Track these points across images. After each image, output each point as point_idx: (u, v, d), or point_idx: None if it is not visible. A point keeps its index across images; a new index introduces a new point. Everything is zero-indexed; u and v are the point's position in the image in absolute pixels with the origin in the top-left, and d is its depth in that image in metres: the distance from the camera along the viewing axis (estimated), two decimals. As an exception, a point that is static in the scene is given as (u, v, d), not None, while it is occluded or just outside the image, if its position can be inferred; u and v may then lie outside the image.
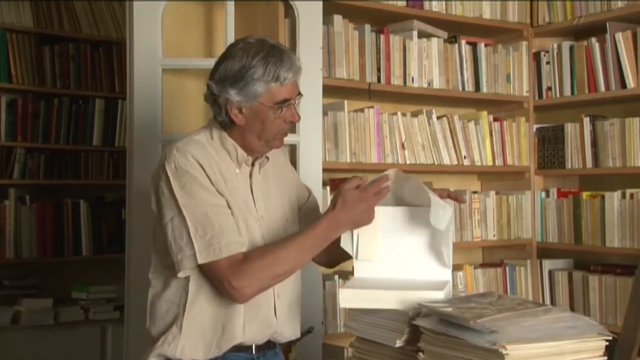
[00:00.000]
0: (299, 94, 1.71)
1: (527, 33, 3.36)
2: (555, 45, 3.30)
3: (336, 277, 2.78)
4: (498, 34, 3.38)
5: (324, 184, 2.66)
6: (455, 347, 1.44)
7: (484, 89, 3.24)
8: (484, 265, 3.33)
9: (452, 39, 3.19)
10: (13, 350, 3.46)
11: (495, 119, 3.30)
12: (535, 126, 3.38)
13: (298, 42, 2.53)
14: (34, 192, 3.97)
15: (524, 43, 3.36)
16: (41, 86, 4.02)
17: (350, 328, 1.80)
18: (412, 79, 3.02)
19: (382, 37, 2.96)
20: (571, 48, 3.24)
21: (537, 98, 3.37)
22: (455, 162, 3.13)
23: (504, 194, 3.31)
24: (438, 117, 3.13)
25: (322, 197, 2.59)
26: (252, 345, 1.70)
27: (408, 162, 2.99)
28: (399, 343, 1.61)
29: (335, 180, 2.87)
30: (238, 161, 1.69)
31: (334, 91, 2.81)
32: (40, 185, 3.99)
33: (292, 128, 2.60)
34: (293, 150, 2.57)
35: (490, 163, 3.24)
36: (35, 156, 3.98)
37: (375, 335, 1.68)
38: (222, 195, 1.64)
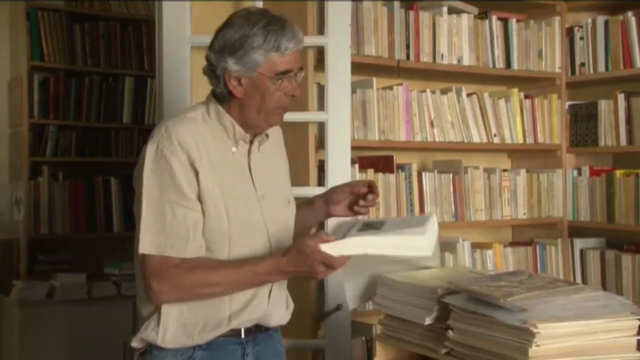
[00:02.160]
0: (301, 68, 1.63)
1: (560, 8, 3.29)
2: (589, 20, 3.23)
3: (364, 254, 2.78)
4: (530, 9, 3.31)
5: (353, 162, 2.65)
6: (485, 325, 1.44)
7: (515, 65, 3.19)
8: (513, 244, 3.31)
9: (482, 15, 3.13)
10: (48, 323, 3.55)
11: (526, 96, 3.25)
12: (567, 103, 3.32)
13: (326, 20, 2.51)
14: (67, 170, 4.04)
15: (557, 18, 3.29)
16: (72, 64, 4.06)
17: (379, 305, 1.80)
18: (442, 55, 2.99)
19: (411, 13, 2.92)
20: (606, 22, 3.17)
21: (569, 74, 3.31)
22: (485, 140, 3.09)
23: (534, 172, 3.28)
24: (468, 95, 3.09)
25: (351, 176, 2.59)
26: (240, 329, 1.64)
27: (437, 139, 2.96)
28: (428, 320, 1.61)
29: (363, 158, 2.87)
30: (235, 139, 1.62)
31: (362, 68, 2.79)
32: (72, 162, 4.06)
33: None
34: (322, 128, 2.57)
35: (520, 141, 3.20)
36: (67, 134, 4.04)
37: (404, 312, 1.68)
38: (198, 191, 1.55)
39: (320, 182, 2.59)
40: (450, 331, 1.55)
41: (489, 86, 3.29)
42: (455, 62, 3.02)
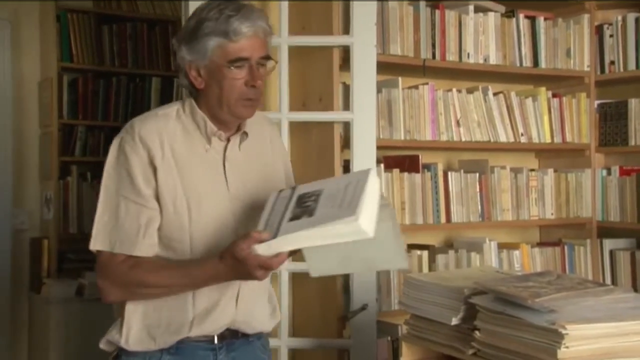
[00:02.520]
0: (266, 57, 1.53)
1: (589, 6, 3.24)
2: (619, 18, 3.18)
3: (390, 254, 2.78)
4: (558, 7, 3.27)
5: (378, 162, 2.65)
6: (513, 326, 1.43)
7: (543, 64, 3.15)
8: (541, 244, 3.27)
9: (509, 13, 3.10)
10: (77, 320, 3.59)
11: (554, 95, 3.21)
12: (596, 102, 3.28)
13: (352, 19, 2.51)
14: (95, 169, 4.09)
15: (586, 16, 3.25)
16: (100, 65, 4.11)
17: (404, 306, 1.80)
18: (468, 54, 2.96)
19: (437, 12, 2.90)
20: (637, 20, 3.12)
21: (598, 73, 3.26)
22: (511, 140, 3.06)
23: (562, 172, 3.24)
24: (494, 94, 3.06)
25: (377, 175, 2.57)
26: (213, 335, 1.58)
27: (463, 139, 2.94)
28: (454, 321, 1.60)
29: (389, 157, 2.86)
30: (207, 135, 1.55)
31: (388, 68, 2.78)
32: (101, 162, 4.08)
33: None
34: (347, 127, 2.57)
35: (548, 140, 3.16)
36: (95, 134, 4.10)
37: (431, 312, 1.68)
38: (155, 187, 1.50)
39: (346, 181, 2.58)
40: (477, 332, 1.54)
41: (516, 85, 3.26)
42: (481, 61, 3.00)
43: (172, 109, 1.58)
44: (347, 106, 2.58)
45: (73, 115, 4.04)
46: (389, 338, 2.64)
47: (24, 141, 4.01)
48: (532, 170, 3.19)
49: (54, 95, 3.89)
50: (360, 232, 1.29)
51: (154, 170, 1.49)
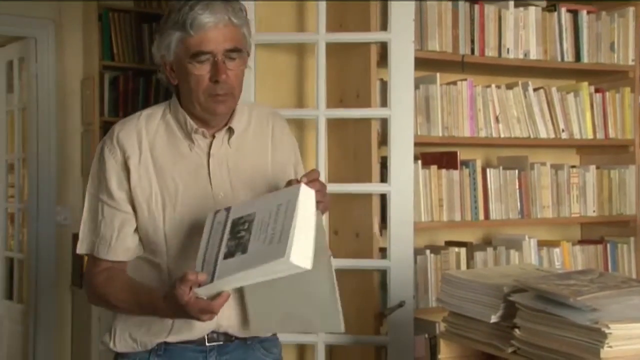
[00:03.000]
0: (235, 49, 1.43)
1: (633, -2, 3.18)
2: (664, 10, 3.10)
3: (427, 251, 2.76)
4: (602, 0, 3.21)
5: (416, 159, 2.63)
6: (554, 324, 1.41)
7: (585, 58, 3.09)
8: (582, 242, 3.21)
9: (551, 7, 3.05)
10: (118, 315, 3.66)
11: (596, 90, 3.15)
12: (640, 97, 3.20)
13: (390, 15, 2.50)
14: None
15: (631, 9, 3.17)
16: (140, 63, 4.17)
17: (443, 303, 1.79)
18: (508, 50, 2.92)
19: (476, 7, 2.87)
20: (682, 13, 3.04)
21: (643, 67, 3.19)
22: (552, 136, 3.01)
23: (605, 169, 3.17)
24: (535, 89, 3.01)
25: (414, 173, 2.57)
26: (203, 337, 1.52)
27: (502, 135, 2.90)
28: (493, 319, 1.59)
29: (426, 154, 2.84)
30: (188, 132, 1.50)
31: (426, 64, 2.76)
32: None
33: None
34: (384, 124, 2.56)
35: (590, 136, 3.10)
36: (135, 132, 4.16)
37: (469, 310, 1.66)
38: (128, 190, 1.48)
39: (383, 178, 2.58)
40: (516, 330, 1.53)
41: (557, 80, 3.21)
42: (521, 56, 2.96)
43: (160, 108, 1.55)
44: (384, 103, 2.58)
45: (114, 112, 4.11)
46: (427, 335, 2.63)
47: (67, 138, 4.10)
48: (573, 166, 3.13)
49: (95, 93, 3.97)
50: (295, 268, 1.25)
51: (128, 172, 1.47)
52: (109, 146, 1.50)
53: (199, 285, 1.31)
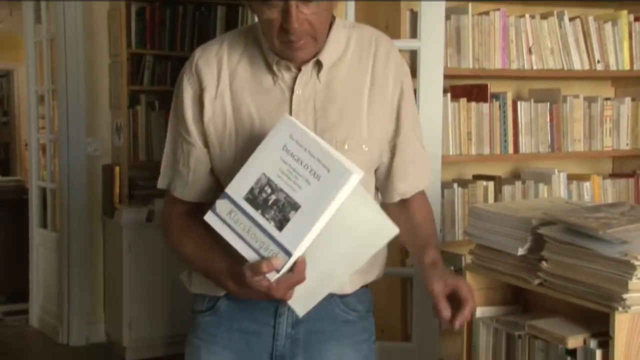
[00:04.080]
0: None
1: None
2: None
3: (455, 185, 2.76)
4: None
5: (445, 91, 2.59)
6: (582, 257, 1.41)
7: (625, -14, 2.97)
8: (613, 175, 3.17)
9: None
10: (148, 244, 3.75)
11: (636, 19, 3.04)
12: (681, 27, 3.08)
13: (421, -59, 2.41)
14: (162, 99, 4.16)
15: None
16: (167, -6, 4.13)
17: (470, 235, 1.79)
18: (543, -23, 2.83)
19: None
20: None
21: (685, -5, 3.06)
22: (587, 67, 2.94)
23: (640, 101, 3.10)
24: (570, 19, 2.92)
25: (443, 105, 2.53)
26: None
27: (535, 67, 2.84)
28: (521, 251, 1.59)
29: (456, 87, 2.79)
30: (268, 64, 1.31)
31: (457, -7, 2.68)
32: (168, 91, 4.16)
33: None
34: (414, 56, 2.51)
35: (627, 67, 3.01)
36: (163, 63, 4.15)
37: (497, 242, 1.67)
38: (202, 125, 1.32)
39: (412, 111, 2.55)
40: (544, 262, 1.53)
41: (594, 9, 3.10)
42: (557, -17, 2.86)
43: (245, 34, 1.36)
44: (414, 34, 2.52)
45: (141, 44, 4.09)
46: (452, 268, 2.65)
47: (95, 70, 4.11)
48: (608, 99, 3.06)
49: (122, 24, 3.94)
50: (355, 184, 1.15)
51: (202, 106, 1.32)
52: (187, 74, 1.34)
53: (277, 272, 1.16)
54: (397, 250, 2.58)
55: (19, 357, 4.03)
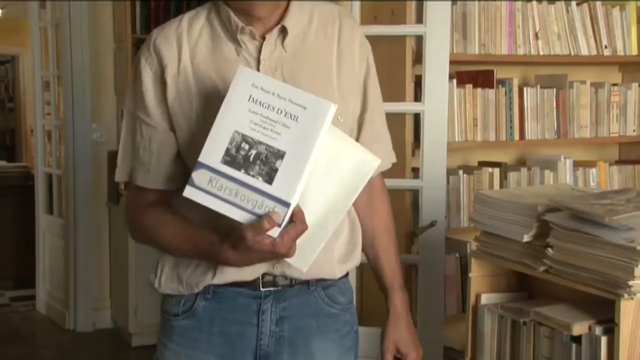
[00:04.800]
0: None
1: None
2: None
3: (460, 171, 2.75)
4: None
5: (451, 77, 2.57)
6: (588, 243, 1.40)
7: (633, -30, 2.95)
8: (620, 162, 3.16)
9: None
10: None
11: (643, 4, 3.02)
12: (690, 12, 3.06)
13: None
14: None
15: None
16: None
17: (475, 222, 1.79)
18: (551, -39, 2.80)
19: None
20: None
21: (694, -20, 3.03)
22: (594, 53, 2.91)
23: (648, 87, 3.07)
24: (577, 4, 2.90)
25: (449, 91, 2.52)
26: (256, 280, 1.26)
27: (541, 52, 2.82)
28: (526, 238, 1.59)
29: (462, 73, 2.77)
30: (233, 33, 1.25)
31: (464, -22, 2.66)
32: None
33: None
34: (419, 42, 2.49)
35: (635, 53, 2.99)
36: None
37: (502, 229, 1.66)
38: (166, 105, 1.25)
39: (417, 97, 2.54)
40: (549, 249, 1.52)
41: (602, -6, 3.07)
42: (565, -32, 2.83)
43: (205, 8, 1.31)
44: (420, 19, 2.50)
45: (146, 29, 4.08)
46: (457, 255, 2.65)
47: (100, 56, 4.10)
48: (615, 84, 3.04)
49: (127, 10, 3.93)
50: (332, 110, 1.11)
51: (164, 85, 1.25)
52: (145, 54, 1.28)
53: (279, 226, 1.10)
54: (402, 237, 2.57)
55: (26, 342, 4.06)
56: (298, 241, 1.14)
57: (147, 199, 1.30)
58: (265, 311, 1.27)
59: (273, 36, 1.25)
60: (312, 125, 1.09)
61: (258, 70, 1.23)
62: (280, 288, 1.26)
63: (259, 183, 1.10)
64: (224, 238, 1.17)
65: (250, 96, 1.12)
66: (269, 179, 1.10)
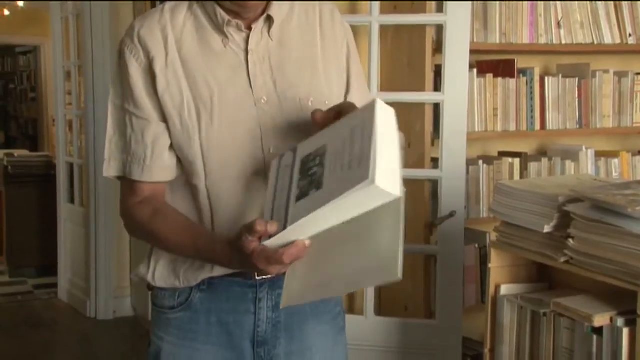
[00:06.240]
0: None
1: None
2: None
3: (480, 161, 2.73)
4: None
5: (471, 67, 2.56)
6: (610, 234, 1.39)
7: (658, -43, 2.89)
8: (643, 153, 3.12)
9: None
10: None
11: (668, -8, 2.96)
12: None
13: None
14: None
15: None
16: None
17: (495, 212, 1.78)
18: (574, -51, 2.76)
19: None
20: None
21: None
22: (617, 41, 2.87)
23: (672, 76, 3.03)
24: (601, -9, 2.86)
25: (469, 81, 2.50)
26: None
27: (564, 42, 2.78)
28: (547, 228, 1.58)
29: (482, 62, 2.75)
30: (219, 25, 1.25)
31: (485, -34, 2.63)
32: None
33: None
34: (440, 31, 2.47)
35: (659, 42, 2.95)
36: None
37: (522, 220, 1.65)
38: (157, 98, 1.25)
39: (437, 87, 2.52)
40: (570, 240, 1.51)
41: (626, -18, 3.03)
42: (588, -45, 2.79)
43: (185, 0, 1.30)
44: (440, 8, 2.48)
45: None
46: (477, 245, 2.64)
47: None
48: (639, 74, 3.00)
49: (147, 0, 3.94)
50: (384, 195, 1.02)
51: (153, 77, 1.24)
52: (130, 46, 1.25)
53: (270, 237, 1.09)
54: (420, 227, 2.57)
55: (48, 330, 4.12)
56: (296, 283, 1.11)
57: (142, 193, 1.29)
58: (262, 299, 1.29)
59: (259, 26, 1.26)
60: (346, 184, 1.02)
61: (247, 60, 1.25)
62: (274, 276, 1.23)
63: (293, 195, 1.10)
64: (226, 236, 1.18)
65: (354, 128, 1.07)
66: (298, 199, 1.09)
